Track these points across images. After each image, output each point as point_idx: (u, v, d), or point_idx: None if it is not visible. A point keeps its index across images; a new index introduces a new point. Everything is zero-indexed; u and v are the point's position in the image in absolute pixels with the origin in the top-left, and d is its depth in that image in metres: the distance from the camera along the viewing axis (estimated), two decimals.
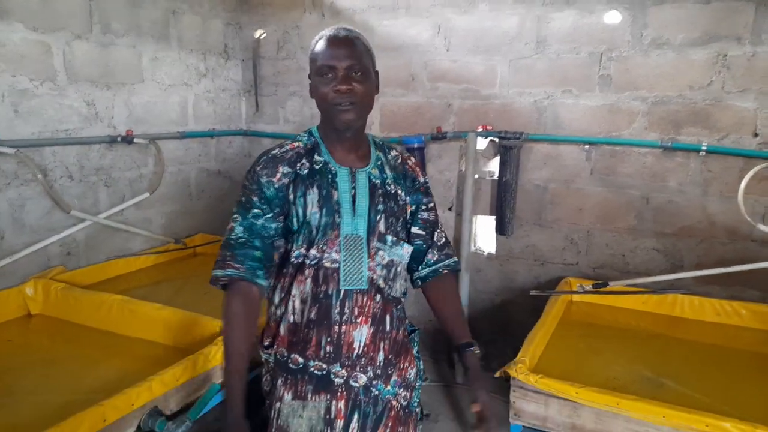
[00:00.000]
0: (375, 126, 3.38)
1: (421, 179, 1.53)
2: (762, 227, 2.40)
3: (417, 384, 1.52)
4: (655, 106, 2.72)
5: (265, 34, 3.64)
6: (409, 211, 1.49)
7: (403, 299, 1.48)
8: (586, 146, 2.90)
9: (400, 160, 1.50)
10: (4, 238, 2.40)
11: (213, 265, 1.34)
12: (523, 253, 3.15)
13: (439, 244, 1.54)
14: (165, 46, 3.11)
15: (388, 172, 1.45)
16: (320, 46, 1.34)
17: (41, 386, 1.89)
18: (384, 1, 3.25)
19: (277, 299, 1.40)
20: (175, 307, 2.23)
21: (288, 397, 1.38)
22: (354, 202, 1.37)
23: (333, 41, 1.33)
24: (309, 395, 1.37)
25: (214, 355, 1.91)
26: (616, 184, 2.87)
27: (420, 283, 1.55)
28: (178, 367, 1.79)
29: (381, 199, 1.41)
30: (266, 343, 1.42)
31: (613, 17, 2.74)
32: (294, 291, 1.37)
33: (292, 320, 1.38)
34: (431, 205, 1.54)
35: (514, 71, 3.01)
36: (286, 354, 1.38)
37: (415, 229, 1.51)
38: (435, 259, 1.53)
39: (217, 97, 3.50)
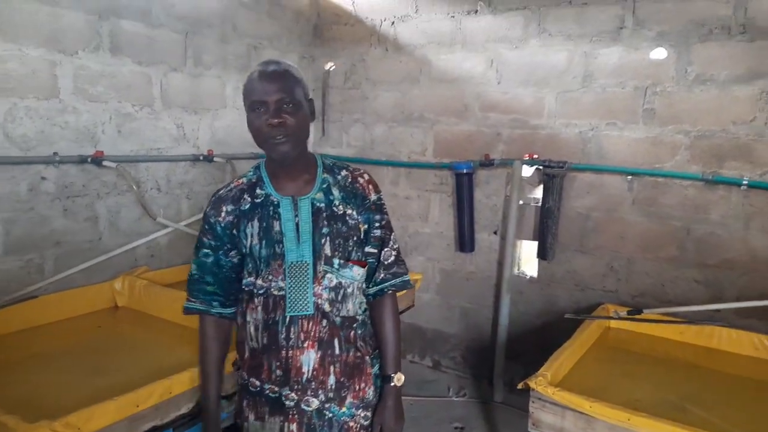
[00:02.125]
0: (429, 152, 3.63)
1: (372, 197, 1.51)
2: None
3: (376, 401, 1.54)
4: (698, 140, 2.79)
5: (334, 66, 4.00)
6: (362, 230, 1.49)
7: (359, 318, 1.50)
8: (629, 177, 2.99)
9: (350, 179, 1.50)
10: (102, 239, 2.83)
11: None
12: (564, 278, 3.26)
13: (386, 263, 1.53)
14: (246, 76, 3.52)
15: (335, 193, 1.47)
16: (251, 82, 1.38)
17: (123, 365, 2.21)
18: (442, 37, 3.52)
19: (240, 325, 1.51)
20: None
21: (251, 417, 1.50)
22: (298, 229, 1.41)
23: (263, 76, 1.36)
24: (266, 416, 1.46)
25: None
26: (658, 214, 2.94)
27: (369, 299, 1.56)
28: (233, 354, 2.08)
29: (326, 222, 1.43)
30: (237, 365, 1.57)
31: (658, 54, 2.85)
32: (248, 317, 1.46)
33: (251, 345, 1.48)
34: (383, 222, 1.53)
35: (561, 103, 3.16)
36: (246, 377, 1.50)
37: (368, 248, 1.51)
38: (381, 277, 1.53)
39: None
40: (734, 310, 2.71)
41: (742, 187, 2.68)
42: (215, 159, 3.28)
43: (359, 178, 1.52)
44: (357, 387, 1.49)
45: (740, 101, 2.67)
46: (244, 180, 1.50)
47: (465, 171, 3.38)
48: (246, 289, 1.46)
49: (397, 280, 1.55)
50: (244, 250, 1.44)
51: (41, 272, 2.58)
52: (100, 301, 2.77)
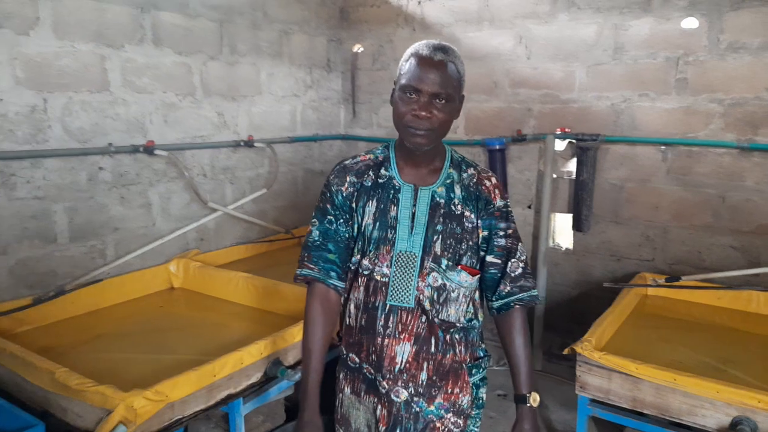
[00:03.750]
0: (460, 129, 3.69)
1: (498, 203, 1.41)
2: None
3: (473, 413, 1.47)
4: (732, 108, 2.82)
5: (362, 48, 4.06)
6: (481, 236, 1.41)
7: (460, 325, 1.42)
8: (663, 147, 3.04)
9: (475, 180, 1.42)
10: (155, 225, 2.96)
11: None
12: (599, 249, 3.33)
13: (512, 275, 1.42)
14: (278, 62, 3.61)
15: (457, 191, 1.39)
16: (412, 63, 1.30)
17: (184, 341, 2.35)
18: (470, 14, 3.55)
19: (343, 300, 1.47)
20: (288, 283, 2.66)
21: (347, 390, 1.48)
22: (413, 219, 1.36)
23: (426, 63, 1.28)
24: (362, 393, 1.45)
25: None
26: (693, 183, 2.98)
27: (494, 313, 1.47)
28: (294, 328, 2.21)
29: (441, 219, 1.36)
30: (338, 335, 1.53)
31: (689, 23, 2.87)
32: (351, 296, 1.43)
33: (348, 322, 1.46)
34: (509, 231, 1.42)
35: (592, 76, 3.20)
36: (345, 352, 1.48)
37: (489, 258, 1.42)
38: (507, 291, 1.42)
39: (320, 105, 3.96)
40: None
41: None
42: (255, 144, 3.38)
43: (486, 181, 1.42)
44: (449, 390, 1.42)
45: None
46: (371, 156, 1.45)
47: (497, 147, 3.45)
48: (352, 267, 1.43)
49: (525, 294, 1.43)
50: (356, 227, 1.41)
51: (103, 257, 2.73)
52: (157, 283, 2.92)
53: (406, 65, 1.32)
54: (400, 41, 3.86)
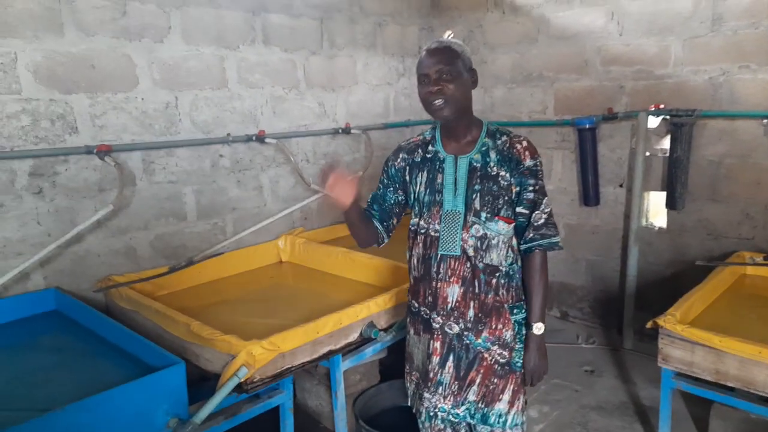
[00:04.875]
0: (549, 110, 3.74)
1: (528, 162, 1.64)
2: None
3: (517, 346, 1.72)
4: None
5: (452, 35, 4.16)
6: (514, 191, 1.65)
7: (502, 269, 1.68)
8: (765, 120, 2.91)
9: (508, 145, 1.66)
10: (266, 205, 3.34)
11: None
12: (695, 228, 3.26)
13: (536, 224, 1.66)
14: (373, 53, 3.85)
15: (492, 155, 1.65)
16: (420, 59, 1.63)
17: (291, 308, 2.65)
18: None
19: (407, 257, 1.81)
20: (382, 257, 2.91)
21: (411, 331, 1.83)
22: (456, 183, 1.66)
23: (427, 53, 1.61)
24: (421, 332, 1.78)
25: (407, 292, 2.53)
26: None
27: (521, 255, 1.72)
28: (387, 295, 2.45)
29: (479, 180, 1.64)
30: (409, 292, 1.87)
31: None
32: (413, 251, 1.76)
33: (413, 274, 1.79)
34: (536, 187, 1.65)
35: (689, 50, 3.12)
36: (410, 298, 1.83)
37: (519, 208, 1.66)
38: (530, 237, 1.67)
39: (412, 92, 4.16)
40: None
41: None
42: (352, 131, 3.66)
43: (517, 144, 1.66)
44: (494, 326, 1.69)
45: None
46: (421, 137, 1.78)
47: (587, 126, 3.45)
48: (412, 228, 1.77)
49: (545, 241, 1.66)
50: (413, 195, 1.74)
51: (224, 233, 3.14)
52: (268, 256, 3.30)
53: (418, 63, 1.64)
54: (490, 25, 3.95)
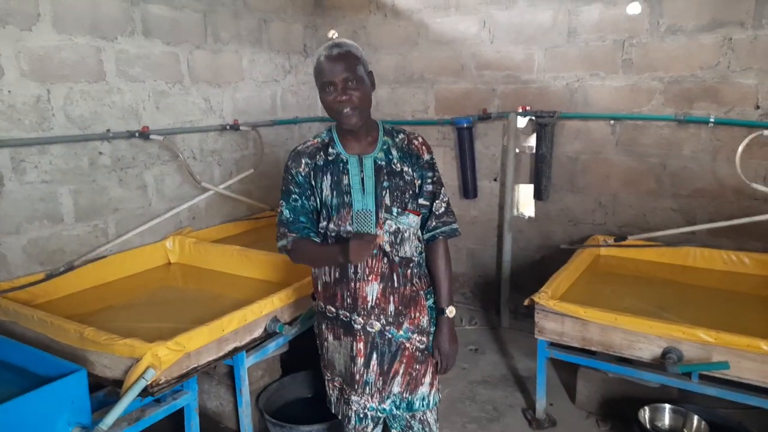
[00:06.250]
0: (431, 109, 3.98)
1: (426, 157, 1.74)
2: (756, 186, 2.84)
3: (431, 329, 1.81)
4: (671, 85, 3.16)
5: (336, 34, 4.25)
6: (417, 185, 1.73)
7: (415, 259, 1.75)
8: (612, 122, 3.38)
9: (406, 141, 1.74)
10: (151, 205, 3.20)
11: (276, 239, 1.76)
12: (558, 216, 3.68)
13: (437, 213, 1.76)
14: (259, 49, 3.82)
15: (394, 153, 1.71)
16: (320, 64, 1.60)
17: (185, 310, 2.55)
18: (437, 1, 3.81)
19: None
20: (277, 254, 2.92)
21: (330, 337, 1.81)
22: (363, 183, 1.67)
23: (329, 59, 1.58)
24: (342, 336, 1.77)
25: (308, 286, 2.58)
26: (638, 153, 3.34)
27: (424, 244, 1.80)
28: (289, 290, 2.49)
29: (386, 178, 1.68)
30: (313, 296, 1.87)
31: (633, 8, 3.19)
32: None
33: (324, 279, 1.77)
34: (434, 178, 1.76)
35: (549, 58, 3.51)
36: (323, 306, 1.80)
37: (420, 200, 1.74)
38: (433, 225, 1.76)
39: (299, 89, 4.20)
40: (707, 231, 3.14)
41: (709, 125, 3.07)
42: (241, 128, 3.61)
43: (414, 141, 1.76)
44: (413, 315, 1.76)
45: (706, 48, 3.03)
46: (319, 140, 1.76)
47: (465, 125, 3.74)
48: (322, 232, 1.74)
49: (446, 228, 1.78)
50: (319, 199, 1.72)
51: (106, 235, 2.96)
52: (155, 258, 3.17)
53: (317, 69, 1.62)
54: (373, 27, 4.10)
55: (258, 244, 3.28)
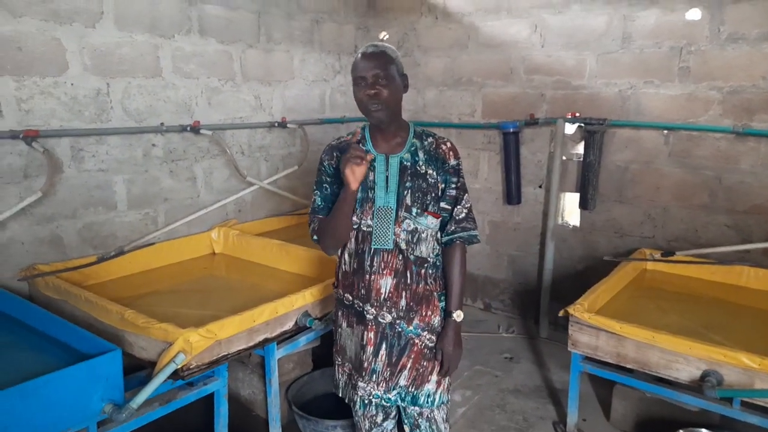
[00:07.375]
0: (477, 113, 3.95)
1: (452, 162, 1.78)
2: None
3: (440, 329, 1.83)
4: (730, 95, 3.01)
5: (387, 36, 4.30)
6: (440, 188, 1.78)
7: (430, 260, 1.79)
8: (665, 131, 3.25)
9: (434, 145, 1.79)
10: (199, 196, 3.33)
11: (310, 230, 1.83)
12: (604, 227, 3.57)
13: (457, 218, 1.80)
14: (310, 49, 3.91)
15: (421, 155, 1.77)
16: (356, 61, 1.69)
17: (225, 299, 2.66)
18: (488, 4, 3.78)
19: (339, 252, 1.85)
20: (316, 250, 2.98)
21: (344, 324, 1.88)
22: (387, 181, 1.74)
23: (363, 56, 1.67)
24: (354, 324, 1.83)
25: None
26: (692, 165, 3.20)
27: (443, 247, 1.84)
28: (321, 285, 2.53)
29: (409, 178, 1.74)
30: (334, 284, 1.93)
31: (693, 14, 3.06)
32: (345, 246, 1.81)
33: (344, 269, 1.83)
34: (458, 184, 1.79)
35: (602, 64, 3.41)
36: (342, 293, 1.86)
37: (442, 204, 1.79)
38: (452, 230, 1.80)
39: (348, 89, 4.24)
40: (762, 251, 2.98)
41: None
42: (288, 125, 3.71)
43: (442, 145, 1.80)
44: (424, 313, 1.80)
45: None
46: (351, 137, 1.80)
47: (511, 130, 3.69)
48: None
49: (465, 233, 1.81)
50: None
51: (155, 224, 3.10)
52: (201, 248, 3.29)
53: (353, 65, 1.70)
54: (423, 29, 4.11)
55: (299, 239, 3.35)
